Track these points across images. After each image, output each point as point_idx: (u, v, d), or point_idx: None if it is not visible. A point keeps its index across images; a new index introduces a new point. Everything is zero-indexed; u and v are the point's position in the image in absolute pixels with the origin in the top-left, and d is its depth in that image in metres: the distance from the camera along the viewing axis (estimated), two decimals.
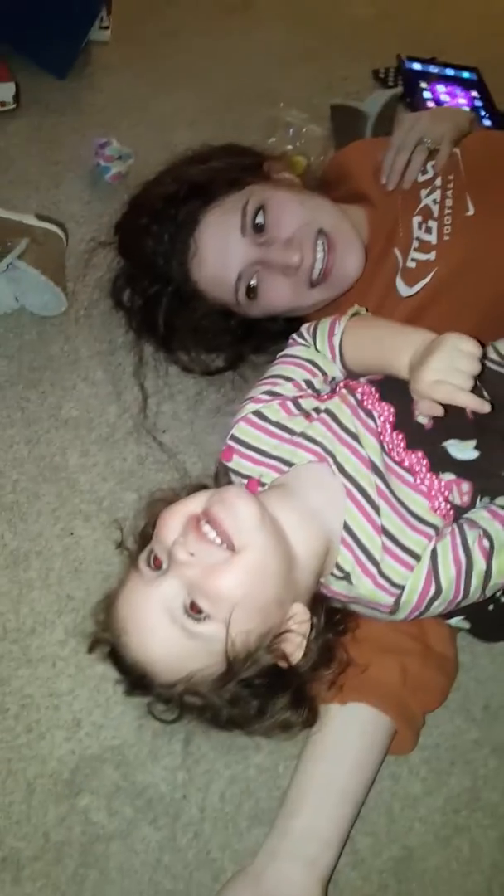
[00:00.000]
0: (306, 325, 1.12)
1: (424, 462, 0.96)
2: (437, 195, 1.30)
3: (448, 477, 0.96)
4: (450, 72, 2.14)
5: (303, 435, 0.99)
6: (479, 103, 2.06)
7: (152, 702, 0.95)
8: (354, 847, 1.00)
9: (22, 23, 1.87)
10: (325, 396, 1.03)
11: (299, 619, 0.92)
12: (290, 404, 1.02)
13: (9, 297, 1.42)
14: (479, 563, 0.91)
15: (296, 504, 0.95)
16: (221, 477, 1.07)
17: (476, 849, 1.02)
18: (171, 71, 2.03)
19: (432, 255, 1.25)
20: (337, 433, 0.98)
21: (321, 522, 0.94)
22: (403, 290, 1.25)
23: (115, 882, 0.96)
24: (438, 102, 2.02)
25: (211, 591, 0.85)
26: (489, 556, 0.91)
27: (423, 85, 2.07)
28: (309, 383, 1.06)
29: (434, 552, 0.91)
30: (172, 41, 2.13)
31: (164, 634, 0.87)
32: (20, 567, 1.17)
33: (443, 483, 0.95)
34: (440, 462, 0.96)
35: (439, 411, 0.95)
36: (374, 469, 0.95)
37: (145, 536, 0.98)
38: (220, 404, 1.38)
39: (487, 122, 2.01)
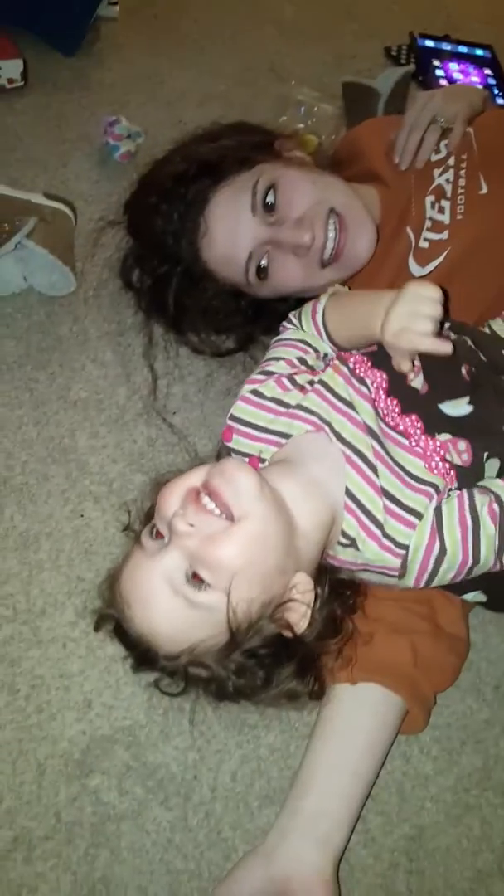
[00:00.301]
0: (294, 311, 1.13)
1: (419, 425, 0.96)
2: (450, 174, 1.28)
3: (444, 437, 0.96)
4: (463, 49, 2.12)
5: (298, 406, 1.00)
6: (492, 81, 2.04)
7: (159, 676, 0.95)
8: (366, 826, 1.01)
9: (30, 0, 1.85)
10: (319, 371, 1.04)
11: (302, 588, 0.91)
12: (284, 380, 1.04)
13: (17, 277, 1.42)
14: (489, 527, 0.90)
15: (298, 476, 0.95)
16: (223, 457, 1.07)
17: (487, 827, 1.02)
18: (180, 48, 2.01)
19: (445, 235, 1.24)
20: (332, 402, 0.99)
21: (325, 492, 0.94)
22: (416, 269, 1.24)
23: (126, 861, 0.96)
24: (451, 80, 2.00)
25: (211, 560, 0.85)
26: (500, 520, 0.90)
27: (436, 63, 2.05)
28: (302, 360, 1.07)
29: (439, 510, 0.91)
30: (182, 18, 2.10)
31: (166, 605, 0.87)
32: (30, 548, 1.17)
33: (438, 443, 0.95)
34: (435, 423, 0.97)
35: (407, 367, 0.98)
36: (370, 432, 0.95)
37: (150, 516, 0.98)
38: (230, 386, 1.38)
39: (501, 101, 1.99)
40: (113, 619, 0.94)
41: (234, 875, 0.91)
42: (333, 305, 1.09)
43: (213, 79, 1.94)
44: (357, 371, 1.01)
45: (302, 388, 1.02)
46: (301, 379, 1.03)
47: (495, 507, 0.90)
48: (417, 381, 1.00)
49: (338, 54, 2.09)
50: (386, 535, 0.91)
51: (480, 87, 1.95)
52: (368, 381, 1.00)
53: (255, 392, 1.04)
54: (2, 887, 0.94)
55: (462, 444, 0.96)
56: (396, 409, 0.98)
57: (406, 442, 0.96)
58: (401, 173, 1.33)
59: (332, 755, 0.96)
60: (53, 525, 1.20)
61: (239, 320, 1.36)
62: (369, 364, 1.02)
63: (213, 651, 0.89)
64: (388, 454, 0.94)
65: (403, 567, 0.92)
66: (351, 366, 1.02)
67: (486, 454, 0.96)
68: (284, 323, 1.14)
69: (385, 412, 0.98)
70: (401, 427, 0.97)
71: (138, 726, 1.05)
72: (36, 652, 1.09)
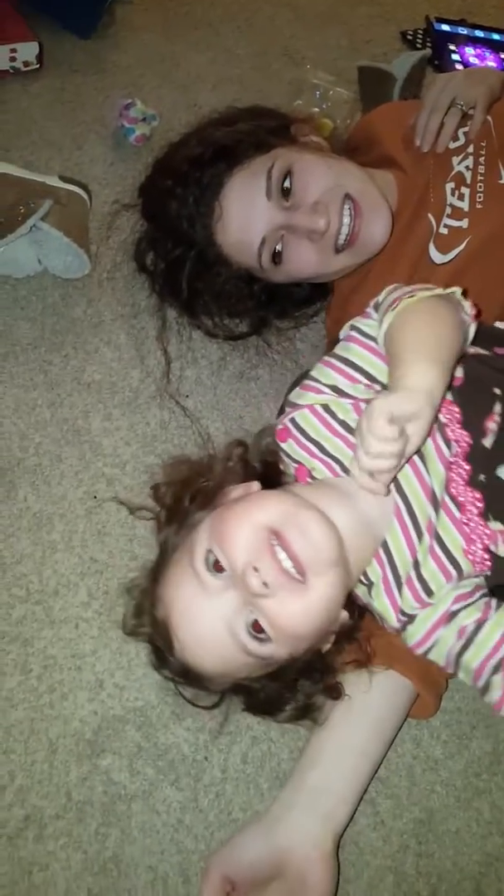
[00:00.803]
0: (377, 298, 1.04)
1: (480, 505, 0.91)
2: (469, 162, 1.27)
3: (497, 526, 0.91)
4: (479, 34, 2.10)
5: None
6: None
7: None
8: (376, 809, 1.01)
9: None
10: None
11: (342, 623, 0.92)
12: (363, 405, 0.96)
13: (32, 260, 1.41)
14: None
15: (351, 509, 0.92)
16: (266, 437, 1.05)
17: (496, 811, 1.02)
18: (195, 31, 2.00)
19: (465, 223, 1.23)
20: None
21: (374, 533, 0.92)
22: (437, 257, 1.23)
23: (136, 841, 0.97)
24: (467, 65, 1.99)
25: (281, 623, 0.84)
26: None
27: (452, 47, 2.03)
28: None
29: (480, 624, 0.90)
30: (197, 1, 2.09)
31: (222, 650, 0.86)
32: (43, 529, 1.18)
33: (488, 531, 0.91)
34: (496, 508, 0.91)
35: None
36: (433, 500, 0.92)
37: (167, 501, 0.98)
38: (243, 369, 1.38)
39: None
40: (154, 643, 0.94)
41: (235, 842, 0.92)
42: (401, 320, 0.96)
43: (227, 62, 1.93)
44: (447, 431, 0.93)
45: None
46: None
47: None
48: (489, 440, 0.93)
49: (353, 38, 2.07)
50: (401, 595, 0.92)
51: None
52: (454, 445, 0.93)
53: (326, 408, 0.98)
54: (13, 865, 0.95)
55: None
56: (465, 478, 0.92)
57: (458, 516, 0.92)
58: (418, 159, 1.32)
59: (340, 733, 0.96)
60: (66, 506, 1.20)
61: (252, 304, 1.35)
62: (459, 420, 0.94)
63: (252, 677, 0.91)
64: (437, 523, 0.92)
65: (401, 631, 0.94)
66: (443, 420, 0.94)
67: None
68: (369, 309, 1.04)
69: (454, 479, 0.92)
70: (460, 499, 0.92)
71: (150, 707, 1.05)
72: (49, 632, 1.09)
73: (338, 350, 1.03)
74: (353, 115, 1.74)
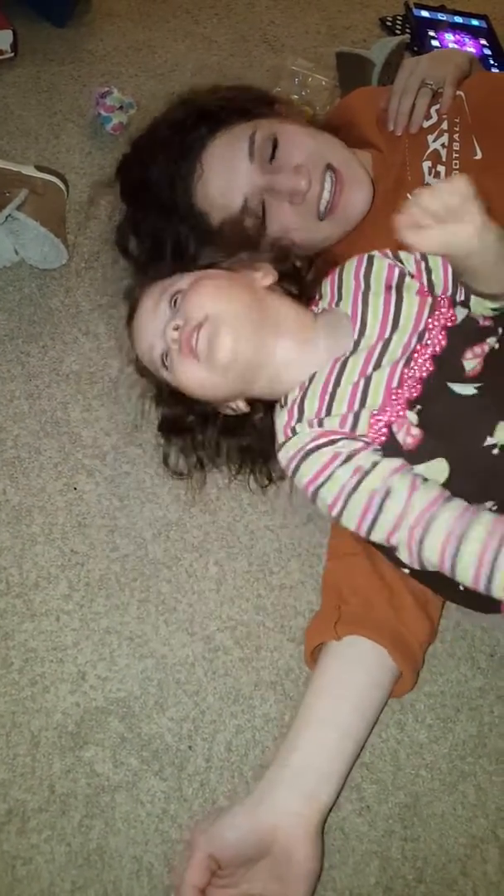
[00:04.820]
0: None
1: (414, 395, 0.94)
2: (444, 139, 1.27)
3: (412, 419, 0.93)
4: (458, 19, 2.09)
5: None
6: (488, 52, 2.01)
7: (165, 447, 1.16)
8: (361, 794, 1.01)
9: None
10: None
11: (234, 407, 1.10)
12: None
13: (8, 250, 1.40)
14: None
15: (302, 351, 1.01)
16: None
17: (481, 794, 1.02)
18: (173, 18, 1.99)
19: None
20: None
21: (310, 370, 1.00)
22: None
23: (120, 832, 0.96)
24: None
25: (172, 369, 1.03)
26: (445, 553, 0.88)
27: (432, 33, 2.02)
28: None
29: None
30: None
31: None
32: (23, 522, 1.17)
33: (402, 413, 0.94)
34: (425, 408, 0.94)
35: None
36: (383, 350, 0.97)
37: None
38: None
39: (496, 71, 1.96)
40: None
41: (220, 821, 0.91)
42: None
43: (206, 49, 1.93)
44: (430, 328, 0.99)
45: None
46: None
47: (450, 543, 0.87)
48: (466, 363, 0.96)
49: (332, 25, 2.07)
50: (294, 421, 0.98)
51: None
52: (428, 337, 0.98)
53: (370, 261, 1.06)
54: None
55: (416, 432, 0.93)
56: (421, 372, 0.95)
57: (394, 385, 0.95)
58: (393, 140, 1.32)
59: (323, 711, 0.97)
60: (46, 498, 1.19)
61: None
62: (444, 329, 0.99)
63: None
64: (373, 372, 0.96)
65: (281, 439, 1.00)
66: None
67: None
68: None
69: (415, 359, 0.96)
70: (406, 377, 0.95)
71: (132, 697, 1.04)
72: (29, 625, 1.09)
73: None
74: (333, 101, 1.73)
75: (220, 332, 0.97)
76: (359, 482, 0.91)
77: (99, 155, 1.61)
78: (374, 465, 0.91)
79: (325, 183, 1.21)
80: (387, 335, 0.97)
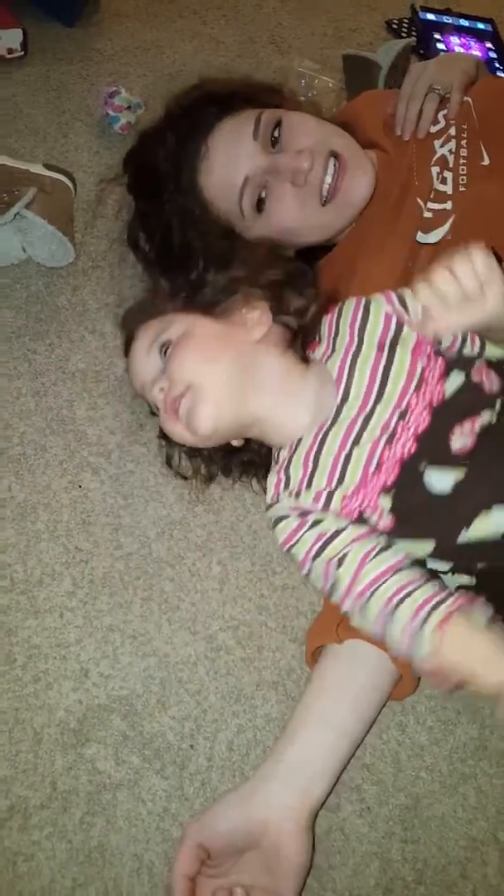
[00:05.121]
0: None
1: (391, 481, 0.92)
2: (451, 145, 1.28)
3: (385, 504, 0.91)
4: (464, 23, 2.09)
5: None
6: (493, 55, 2.02)
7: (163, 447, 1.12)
8: (361, 796, 1.01)
9: None
10: None
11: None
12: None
13: (16, 248, 1.40)
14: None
15: (289, 407, 0.97)
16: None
17: (482, 796, 1.02)
18: (181, 19, 1.99)
19: (448, 205, 1.22)
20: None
21: (297, 432, 0.97)
22: (422, 238, 1.23)
23: (121, 830, 0.97)
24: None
25: (161, 420, 1.01)
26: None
27: (437, 36, 2.02)
28: None
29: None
30: None
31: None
32: (28, 519, 1.17)
33: (376, 500, 0.92)
34: (398, 494, 0.92)
35: None
36: (363, 427, 0.93)
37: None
38: None
39: (502, 75, 1.97)
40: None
41: (212, 812, 0.92)
42: None
43: (213, 50, 1.93)
44: (412, 407, 0.94)
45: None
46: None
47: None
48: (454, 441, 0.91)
49: (339, 27, 2.07)
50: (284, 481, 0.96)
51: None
52: (411, 415, 0.93)
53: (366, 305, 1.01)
54: None
55: (388, 520, 0.92)
56: (402, 453, 0.92)
57: (371, 469, 0.92)
58: (400, 144, 1.32)
59: (322, 709, 0.97)
60: (51, 496, 1.19)
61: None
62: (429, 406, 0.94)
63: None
64: (353, 448, 0.93)
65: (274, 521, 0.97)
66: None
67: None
68: None
69: (398, 437, 0.92)
70: (383, 461, 0.92)
71: (135, 696, 1.05)
72: (33, 622, 1.09)
73: None
74: (339, 103, 1.74)
75: (199, 405, 0.95)
76: (321, 549, 0.91)
77: (107, 154, 1.62)
78: (338, 532, 0.91)
79: (328, 168, 1.22)
80: (369, 408, 0.94)
